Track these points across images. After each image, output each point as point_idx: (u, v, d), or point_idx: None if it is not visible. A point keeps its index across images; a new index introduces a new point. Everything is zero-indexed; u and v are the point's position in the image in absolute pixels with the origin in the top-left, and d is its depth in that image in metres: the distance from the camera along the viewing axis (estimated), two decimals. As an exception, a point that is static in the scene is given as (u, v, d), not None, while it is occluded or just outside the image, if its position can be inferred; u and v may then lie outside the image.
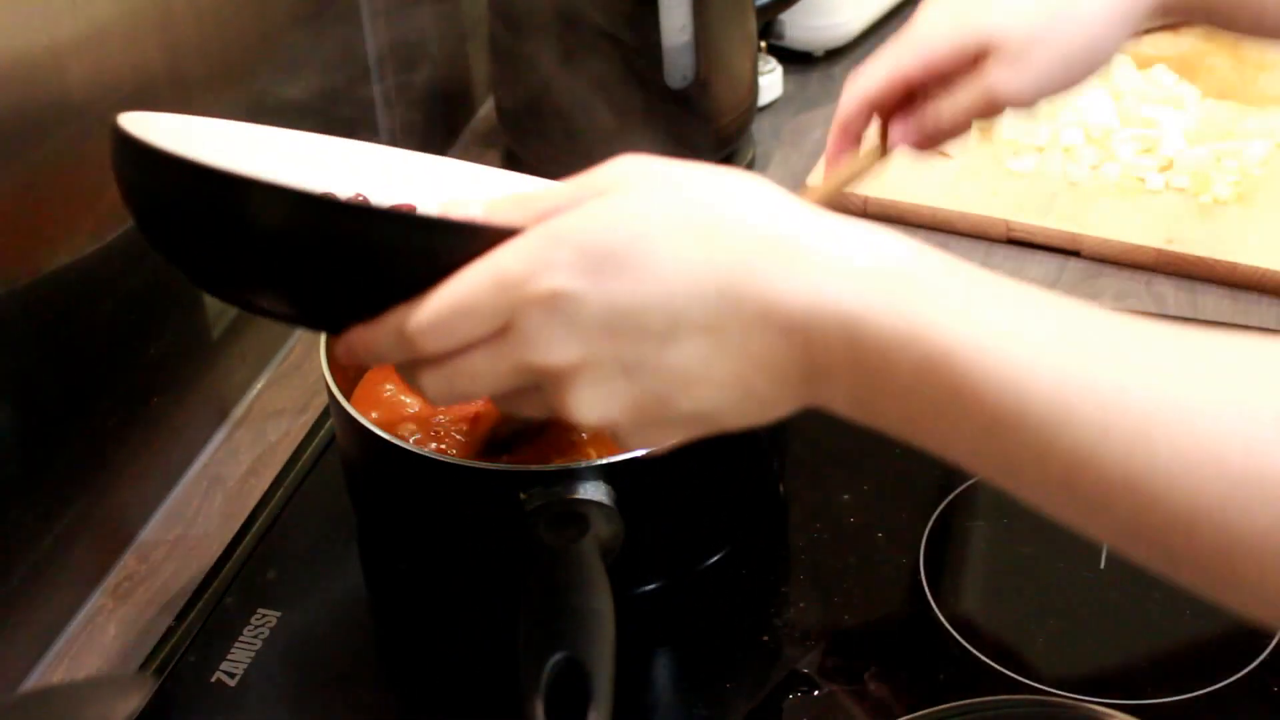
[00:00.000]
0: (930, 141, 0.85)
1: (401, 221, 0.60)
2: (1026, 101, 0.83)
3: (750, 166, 1.20)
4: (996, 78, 0.81)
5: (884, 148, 0.86)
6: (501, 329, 0.58)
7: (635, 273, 0.56)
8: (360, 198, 0.71)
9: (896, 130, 0.85)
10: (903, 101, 0.85)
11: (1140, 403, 0.52)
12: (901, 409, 0.56)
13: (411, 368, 0.61)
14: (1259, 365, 0.53)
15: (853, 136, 0.86)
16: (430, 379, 0.61)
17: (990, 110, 0.83)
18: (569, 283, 0.57)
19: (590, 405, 0.58)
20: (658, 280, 0.56)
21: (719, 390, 0.58)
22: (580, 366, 0.58)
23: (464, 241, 0.59)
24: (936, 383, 0.54)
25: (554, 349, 0.57)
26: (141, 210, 0.66)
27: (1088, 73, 0.83)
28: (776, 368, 0.57)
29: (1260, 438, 0.50)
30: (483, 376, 0.59)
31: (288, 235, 0.60)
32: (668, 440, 0.62)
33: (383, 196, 0.80)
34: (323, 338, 0.86)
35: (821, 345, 0.56)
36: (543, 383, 0.59)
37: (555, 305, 0.57)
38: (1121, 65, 1.21)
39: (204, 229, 0.62)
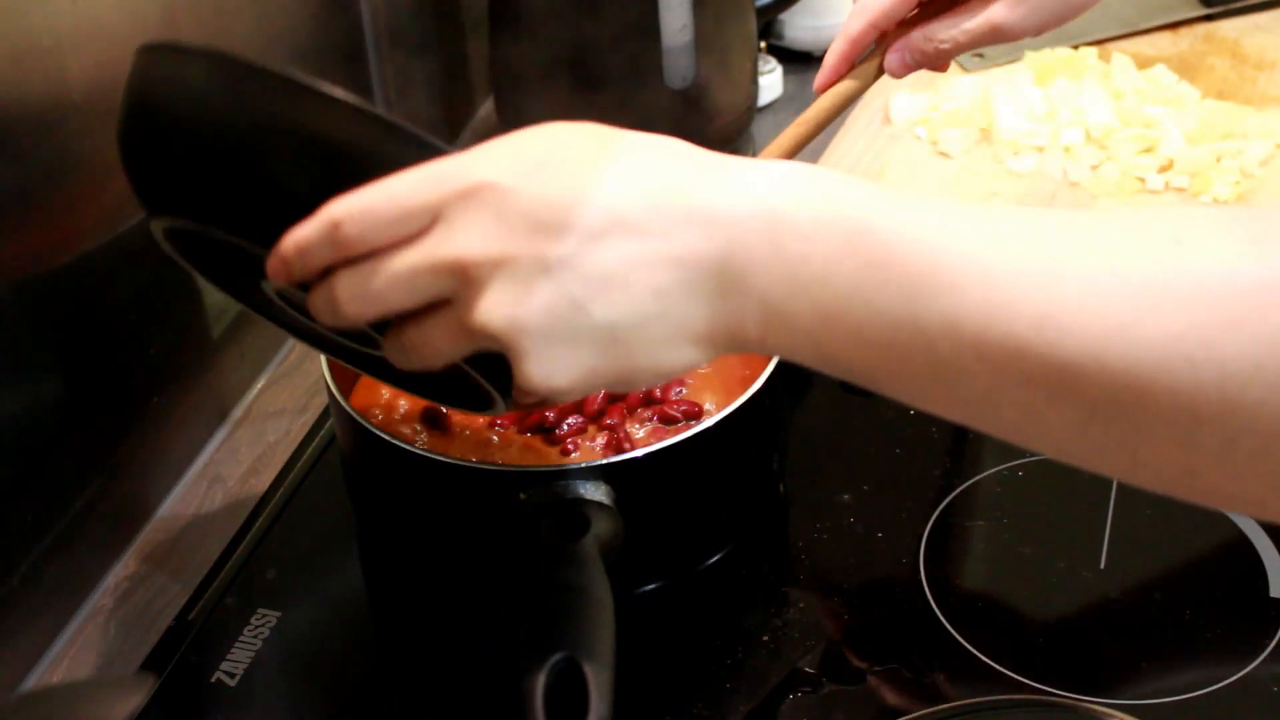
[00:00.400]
0: (923, 65, 0.87)
1: (362, 115, 0.60)
2: (1025, 33, 0.85)
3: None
4: (999, 8, 0.83)
5: (879, 69, 0.87)
6: (425, 218, 0.58)
7: (567, 174, 0.58)
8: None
9: (893, 54, 0.87)
10: (901, 26, 0.87)
11: (1051, 245, 0.54)
12: (816, 302, 0.56)
13: (331, 279, 0.60)
14: (1149, 214, 0.56)
15: (852, 58, 0.88)
16: (346, 280, 0.59)
17: (989, 39, 0.85)
18: (502, 177, 0.57)
19: (501, 304, 0.57)
20: (588, 181, 0.57)
21: (635, 300, 0.57)
22: (500, 261, 0.57)
23: (413, 150, 0.59)
24: (856, 257, 0.55)
25: (477, 240, 0.57)
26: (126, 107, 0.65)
27: (1085, 6, 0.86)
28: (695, 274, 0.57)
29: (1164, 253, 0.52)
30: (399, 275, 0.58)
31: (248, 111, 0.60)
32: (570, 369, 0.59)
33: None
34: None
35: (740, 240, 0.57)
36: (457, 287, 0.58)
37: (485, 197, 0.57)
38: (1121, 65, 1.21)
39: (166, 103, 0.62)
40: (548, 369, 0.59)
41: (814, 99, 0.89)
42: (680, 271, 0.57)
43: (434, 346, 0.60)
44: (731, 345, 0.59)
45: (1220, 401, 0.50)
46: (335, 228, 0.58)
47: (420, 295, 0.59)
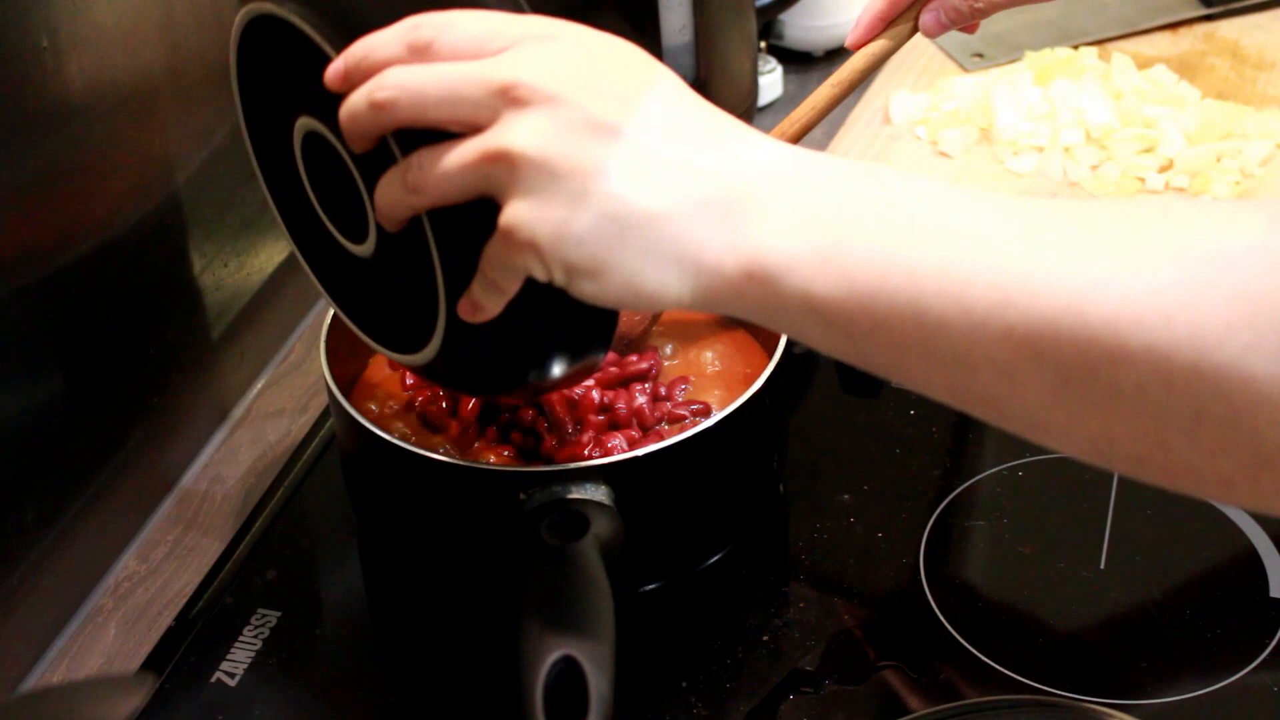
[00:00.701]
0: (957, 23, 0.87)
1: None
2: None
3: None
4: None
5: (914, 28, 0.87)
6: (500, 39, 0.60)
7: (639, 65, 0.61)
8: None
9: (929, 13, 0.86)
10: None
11: (1044, 210, 0.56)
12: (815, 239, 0.57)
13: (383, 72, 0.61)
14: (1137, 198, 0.56)
15: (889, 17, 0.87)
16: (399, 71, 0.60)
17: None
18: (586, 41, 0.61)
19: (535, 131, 0.58)
20: (654, 77, 0.61)
21: (652, 191, 0.58)
22: (553, 99, 0.58)
23: (508, 4, 0.64)
24: (864, 199, 0.57)
25: (537, 73, 0.59)
26: None
27: None
28: (714, 192, 0.58)
29: (1149, 220, 0.54)
30: (450, 78, 0.59)
31: None
32: (557, 226, 0.59)
33: None
34: (322, 340, 0.86)
35: (763, 179, 0.58)
36: (500, 107, 0.59)
37: (561, 47, 0.60)
38: (1121, 65, 1.21)
39: None
40: (538, 214, 0.59)
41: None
42: (703, 184, 0.58)
43: (441, 172, 0.60)
44: (713, 289, 0.59)
45: (1192, 363, 0.51)
46: (413, 27, 0.61)
47: (460, 108, 0.60)
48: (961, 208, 0.56)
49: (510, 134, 0.58)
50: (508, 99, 0.59)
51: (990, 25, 1.28)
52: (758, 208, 0.58)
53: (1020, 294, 0.53)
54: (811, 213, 0.57)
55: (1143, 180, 1.12)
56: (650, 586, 0.85)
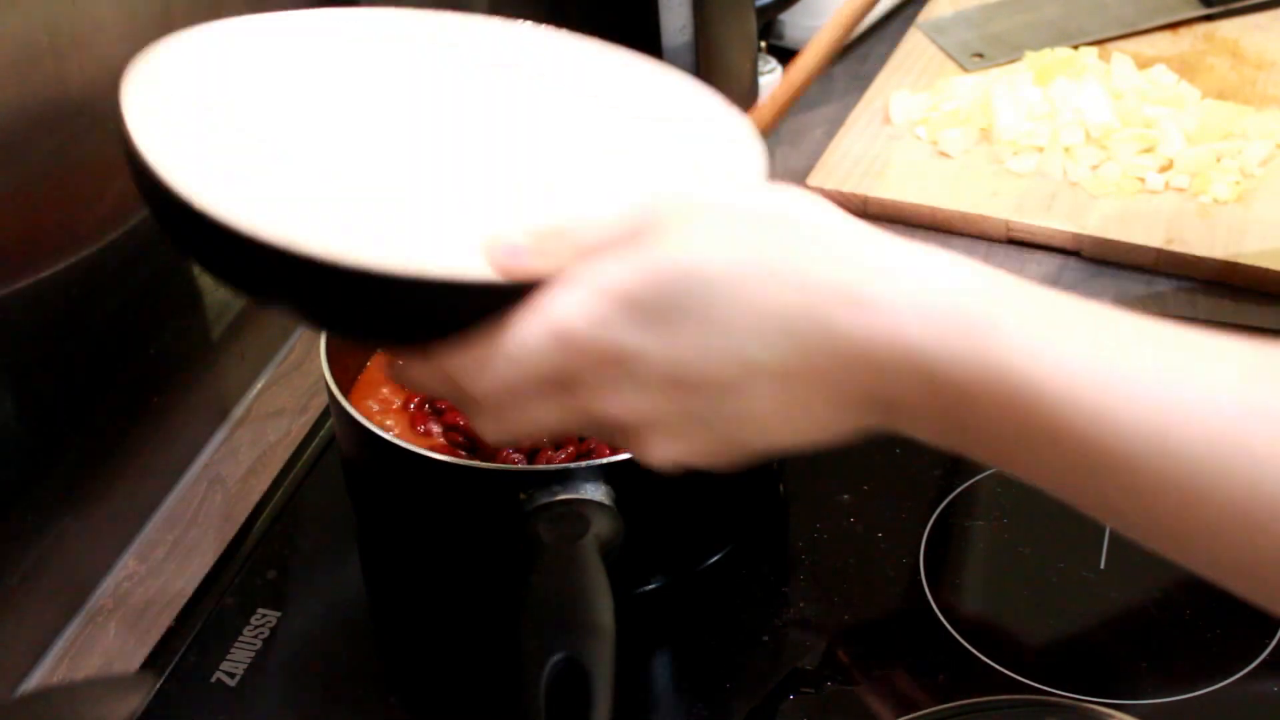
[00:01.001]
0: None
1: (428, 288, 0.57)
2: None
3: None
4: None
5: None
6: (561, 381, 0.58)
7: (698, 323, 0.55)
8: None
9: None
10: None
11: (1252, 412, 0.50)
12: (988, 441, 0.55)
13: (468, 408, 0.61)
14: None
15: None
16: (489, 423, 0.60)
17: None
18: (631, 339, 0.55)
19: (663, 451, 0.59)
20: (722, 329, 0.55)
21: (788, 428, 0.58)
22: (650, 421, 0.58)
23: (495, 300, 0.57)
24: (1024, 420, 0.52)
25: (621, 405, 0.57)
26: (162, 223, 0.65)
27: None
28: (846, 402, 0.56)
29: None
30: (544, 421, 0.60)
31: (312, 294, 0.59)
32: (721, 464, 0.61)
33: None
34: (322, 340, 0.86)
35: (896, 384, 0.54)
36: (610, 431, 0.59)
37: (619, 362, 0.56)
38: (1121, 65, 1.21)
39: (232, 273, 0.63)
40: (716, 467, 0.60)
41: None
42: (831, 404, 0.56)
43: (584, 435, 0.63)
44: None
45: None
46: (464, 390, 0.59)
47: (568, 432, 0.61)
48: (1134, 416, 0.50)
49: (653, 457, 0.59)
50: (618, 429, 0.59)
51: (990, 25, 1.29)
52: (900, 412, 0.56)
53: (1226, 525, 0.50)
54: (965, 432, 0.55)
55: (1143, 180, 1.12)
56: (650, 586, 0.85)
